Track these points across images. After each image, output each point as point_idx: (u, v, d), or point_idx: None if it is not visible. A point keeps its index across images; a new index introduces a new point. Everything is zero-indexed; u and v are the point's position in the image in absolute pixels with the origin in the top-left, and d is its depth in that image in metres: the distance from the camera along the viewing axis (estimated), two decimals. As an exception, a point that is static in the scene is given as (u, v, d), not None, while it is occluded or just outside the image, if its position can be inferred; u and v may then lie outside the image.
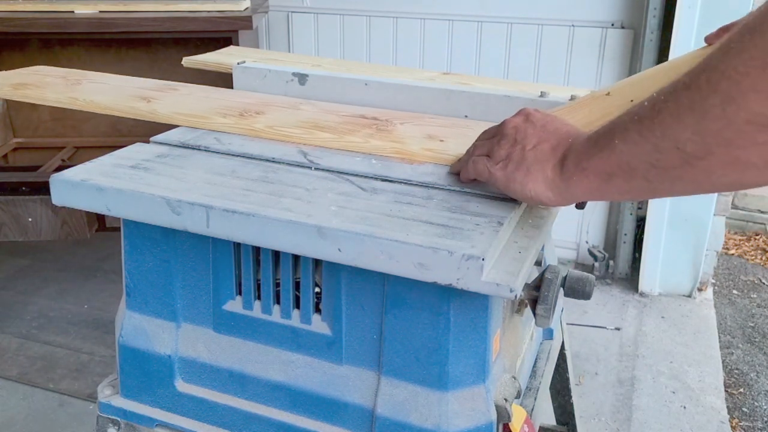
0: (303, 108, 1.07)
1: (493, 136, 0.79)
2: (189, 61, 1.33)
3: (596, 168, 0.66)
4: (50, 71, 1.27)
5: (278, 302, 0.82)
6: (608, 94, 0.86)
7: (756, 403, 2.23)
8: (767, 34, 0.49)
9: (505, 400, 0.77)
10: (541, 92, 1.03)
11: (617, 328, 2.51)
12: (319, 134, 0.95)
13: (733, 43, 0.52)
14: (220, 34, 2.24)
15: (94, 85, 1.18)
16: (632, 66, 2.58)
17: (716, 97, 0.53)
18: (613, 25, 2.59)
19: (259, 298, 0.83)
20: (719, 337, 2.50)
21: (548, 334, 1.10)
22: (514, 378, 0.80)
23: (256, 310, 0.83)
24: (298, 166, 0.87)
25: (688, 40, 2.36)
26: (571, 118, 0.83)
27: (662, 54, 2.46)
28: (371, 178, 0.83)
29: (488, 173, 0.77)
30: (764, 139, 0.52)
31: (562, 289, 0.84)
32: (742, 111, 0.52)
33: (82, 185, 0.79)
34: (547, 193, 0.71)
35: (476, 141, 0.82)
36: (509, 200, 0.78)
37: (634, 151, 0.61)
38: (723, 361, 2.38)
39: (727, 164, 0.55)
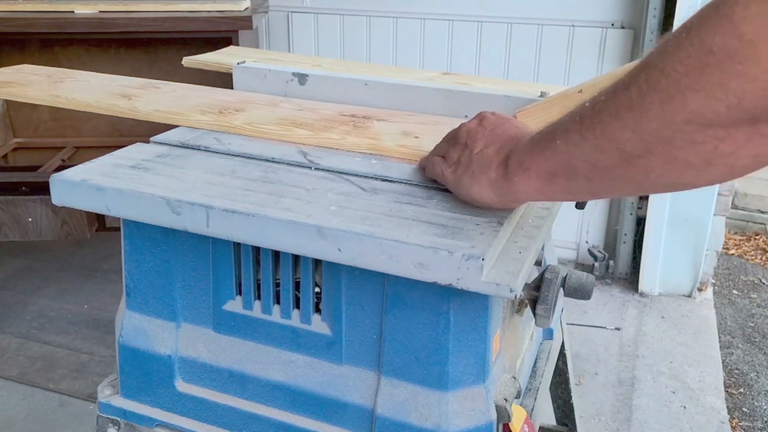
0: (282, 105, 1.08)
1: (450, 139, 0.80)
2: (189, 61, 1.33)
3: (538, 168, 0.66)
4: (35, 70, 1.28)
5: (278, 302, 0.82)
6: (581, 91, 0.86)
7: (756, 403, 2.23)
8: (704, 33, 0.49)
9: (505, 400, 0.77)
10: (541, 92, 1.03)
11: (617, 328, 2.51)
12: (297, 131, 0.96)
13: (671, 42, 0.52)
14: (220, 34, 2.24)
15: (77, 83, 1.19)
16: (632, 66, 2.57)
17: (655, 96, 0.53)
18: (613, 25, 2.59)
19: (259, 298, 0.83)
20: (719, 337, 2.50)
21: (548, 334, 1.10)
22: (514, 378, 0.80)
23: (256, 310, 0.83)
24: (298, 166, 0.87)
25: (688, 40, 2.35)
26: (545, 115, 0.84)
27: (662, 54, 2.46)
28: (371, 178, 0.83)
29: (442, 175, 0.79)
30: (702, 139, 0.52)
31: (562, 289, 0.84)
32: (680, 110, 0.51)
33: (82, 185, 0.79)
34: (490, 195, 0.72)
35: (440, 141, 0.83)
36: (509, 200, 0.78)
37: (575, 151, 0.61)
38: (723, 361, 2.38)
39: (666, 164, 0.55)
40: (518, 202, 0.73)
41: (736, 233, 3.42)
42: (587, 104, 0.60)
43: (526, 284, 0.78)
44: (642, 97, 0.54)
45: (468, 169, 0.74)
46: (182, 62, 1.34)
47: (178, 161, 0.87)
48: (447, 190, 0.80)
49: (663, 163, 0.55)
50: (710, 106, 0.49)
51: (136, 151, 0.90)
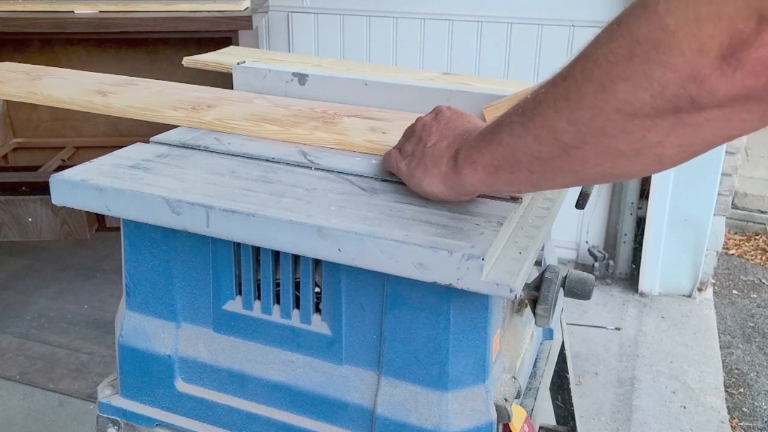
0: (255, 102, 1.09)
1: (408, 133, 0.82)
2: (189, 61, 1.33)
3: (484, 161, 0.67)
4: (15, 67, 1.28)
5: (278, 302, 0.82)
6: None
7: (756, 403, 2.23)
8: (632, 25, 0.50)
9: (505, 400, 0.77)
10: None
11: (617, 328, 2.51)
12: (267, 126, 0.97)
13: (605, 33, 0.53)
14: (220, 34, 2.24)
15: (55, 80, 1.19)
16: (632, 66, 2.57)
17: (589, 86, 0.54)
18: (613, 25, 2.58)
19: (259, 298, 0.83)
20: (719, 337, 2.50)
21: (548, 334, 1.10)
22: (514, 378, 0.80)
23: (256, 310, 0.83)
24: (298, 166, 0.87)
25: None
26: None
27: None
28: (371, 178, 0.83)
29: (397, 168, 0.80)
30: (631, 128, 0.53)
31: (562, 289, 0.84)
32: (611, 99, 0.53)
33: (82, 185, 0.79)
34: (441, 188, 0.73)
35: (402, 136, 0.84)
36: (509, 200, 0.78)
37: (518, 143, 0.62)
38: (723, 361, 2.38)
39: (600, 153, 0.56)
40: (468, 195, 0.74)
41: (736, 233, 3.42)
42: (530, 96, 0.61)
43: (526, 284, 0.78)
44: (577, 88, 0.55)
45: (421, 163, 0.76)
46: (182, 62, 1.34)
47: (178, 161, 0.87)
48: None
49: (597, 152, 0.57)
50: (636, 95, 0.51)
51: (136, 151, 0.90)
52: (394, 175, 0.82)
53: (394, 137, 0.92)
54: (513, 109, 0.63)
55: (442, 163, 0.73)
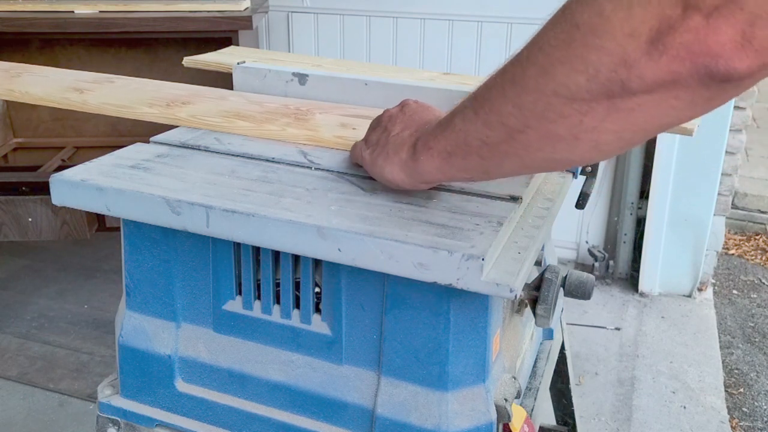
0: (230, 99, 1.10)
1: (375, 125, 0.83)
2: (189, 61, 1.33)
3: (439, 147, 0.68)
4: None
5: (278, 302, 0.82)
6: None
7: (756, 403, 2.23)
8: (574, 10, 0.51)
9: (505, 400, 0.77)
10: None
11: (617, 328, 2.51)
12: (239, 123, 0.98)
13: (551, 19, 0.54)
14: (220, 34, 2.24)
15: (34, 78, 1.20)
16: (632, 66, 2.57)
17: (532, 70, 0.55)
18: (613, 25, 2.58)
19: (259, 298, 0.83)
20: (719, 337, 2.51)
21: (548, 334, 1.10)
22: (514, 378, 0.80)
23: (256, 310, 0.83)
24: (298, 166, 0.87)
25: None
26: None
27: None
28: (371, 178, 0.83)
29: (361, 157, 0.81)
30: (569, 112, 0.54)
31: (562, 289, 0.84)
32: (550, 83, 0.54)
33: (82, 185, 0.79)
34: (400, 175, 0.74)
35: (369, 128, 0.86)
36: (509, 200, 0.78)
37: (469, 129, 0.63)
38: (723, 361, 2.38)
39: (542, 138, 0.57)
40: (425, 183, 0.75)
41: (736, 233, 3.42)
42: (483, 83, 0.62)
43: (526, 284, 0.78)
44: (523, 72, 0.56)
45: (383, 151, 0.77)
46: (182, 62, 1.34)
47: (178, 161, 0.87)
48: (447, 190, 0.80)
49: (539, 137, 0.58)
50: (572, 79, 0.52)
51: (135, 151, 0.90)
52: (361, 166, 0.83)
53: (363, 133, 0.93)
54: (468, 96, 0.64)
55: (403, 151, 0.74)
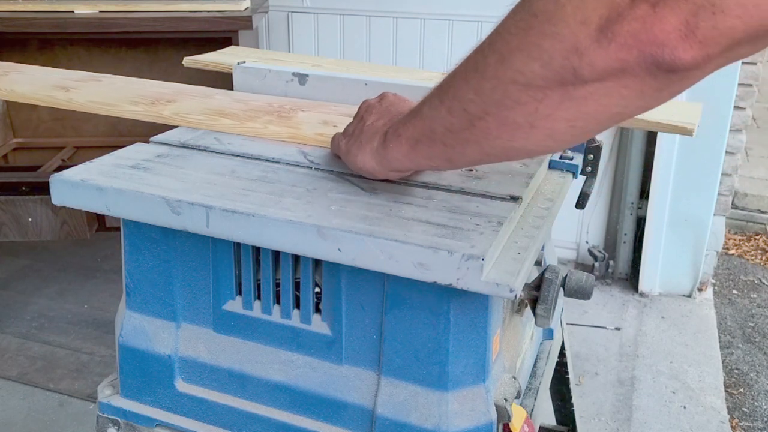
0: (215, 97, 1.11)
1: (354, 115, 0.85)
2: (189, 61, 1.33)
3: (407, 134, 0.69)
4: None
5: (278, 302, 0.82)
6: None
7: (756, 403, 2.23)
8: None
9: (505, 400, 0.77)
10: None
11: (617, 328, 2.51)
12: (222, 120, 0.99)
13: (513, 8, 0.55)
14: (220, 34, 2.24)
15: (20, 76, 1.21)
16: (632, 66, 2.57)
17: (493, 57, 0.57)
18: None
19: (259, 298, 0.83)
20: (719, 337, 2.51)
21: (548, 334, 1.10)
22: (514, 378, 0.80)
23: (256, 310, 0.83)
24: (298, 166, 0.87)
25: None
26: None
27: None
28: (371, 178, 0.83)
29: (337, 146, 0.83)
30: (526, 99, 0.55)
31: (562, 289, 0.84)
32: (508, 70, 0.55)
33: (82, 185, 0.79)
34: (371, 163, 0.76)
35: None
36: (509, 200, 0.78)
37: (434, 116, 0.65)
38: (723, 361, 2.38)
39: (501, 125, 0.58)
40: (395, 171, 0.76)
41: (736, 233, 3.42)
42: (450, 72, 0.63)
43: (526, 284, 0.78)
44: (484, 59, 0.58)
45: (358, 140, 0.78)
46: (182, 62, 1.34)
47: (178, 161, 0.87)
48: (447, 190, 0.80)
49: (498, 124, 0.59)
50: (528, 66, 0.53)
51: (136, 151, 0.90)
52: (340, 158, 0.84)
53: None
54: (435, 85, 0.65)
55: (375, 139, 0.75)
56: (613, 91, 0.52)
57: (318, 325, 0.80)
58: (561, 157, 0.96)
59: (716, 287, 2.90)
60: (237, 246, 0.81)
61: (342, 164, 0.87)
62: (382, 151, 0.74)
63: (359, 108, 0.84)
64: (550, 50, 0.52)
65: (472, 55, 0.60)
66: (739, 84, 2.41)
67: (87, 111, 1.06)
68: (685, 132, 0.99)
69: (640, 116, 1.04)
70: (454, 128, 0.63)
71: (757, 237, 3.38)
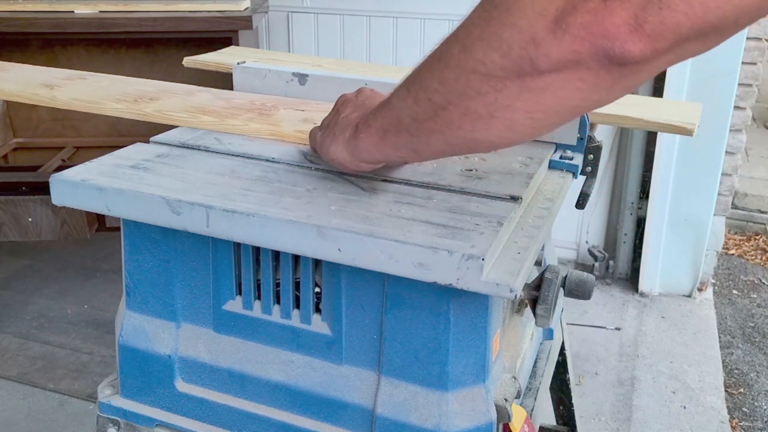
0: (198, 95, 1.12)
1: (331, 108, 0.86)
2: (189, 61, 1.33)
3: (377, 124, 0.70)
4: None
5: (278, 302, 0.82)
6: None
7: (756, 403, 2.23)
8: None
9: (505, 400, 0.77)
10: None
11: (617, 328, 2.51)
12: (203, 117, 1.00)
13: (479, 1, 0.57)
14: (220, 34, 2.24)
15: (7, 74, 1.22)
16: (632, 66, 2.57)
17: (457, 47, 0.58)
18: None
19: (259, 298, 0.83)
20: (719, 337, 2.51)
21: (548, 334, 1.10)
22: (514, 378, 0.80)
23: (256, 310, 0.83)
24: (298, 166, 0.87)
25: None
26: None
27: (662, 54, 2.46)
28: (371, 178, 0.83)
29: (314, 139, 0.85)
30: (486, 89, 0.56)
31: (562, 289, 0.84)
32: (470, 59, 0.56)
33: (82, 185, 0.79)
34: (343, 154, 0.76)
35: None
36: (509, 200, 0.78)
37: (402, 106, 0.66)
38: (723, 361, 2.38)
39: (462, 115, 0.59)
40: (365, 162, 0.76)
41: (736, 233, 3.42)
42: (419, 62, 0.64)
43: (526, 284, 0.78)
44: (448, 49, 0.59)
45: (331, 131, 0.79)
46: (183, 62, 1.34)
47: (178, 161, 0.87)
48: (447, 190, 0.80)
49: (460, 114, 0.59)
50: (488, 56, 0.54)
51: (136, 151, 0.90)
52: (316, 152, 0.85)
53: None
54: (406, 76, 0.66)
55: (348, 130, 0.76)
56: (569, 84, 0.53)
57: (318, 325, 0.80)
58: (561, 157, 0.96)
59: (716, 287, 2.90)
60: (237, 246, 0.81)
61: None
62: (354, 141, 0.75)
63: (336, 101, 0.85)
64: (509, 40, 0.53)
65: (439, 45, 0.61)
66: (739, 84, 2.41)
67: (70, 108, 1.07)
68: (685, 132, 1.00)
69: (640, 116, 1.04)
70: (419, 118, 0.63)
71: (757, 237, 3.38)
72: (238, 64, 1.19)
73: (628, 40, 0.49)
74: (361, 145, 0.73)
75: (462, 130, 0.61)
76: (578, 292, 0.84)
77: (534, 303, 0.78)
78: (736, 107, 2.47)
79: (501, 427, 0.78)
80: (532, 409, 0.94)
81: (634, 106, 1.10)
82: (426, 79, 0.62)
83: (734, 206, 3.34)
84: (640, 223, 2.71)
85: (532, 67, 0.53)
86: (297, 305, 0.81)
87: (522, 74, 0.53)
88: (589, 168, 0.99)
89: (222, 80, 1.22)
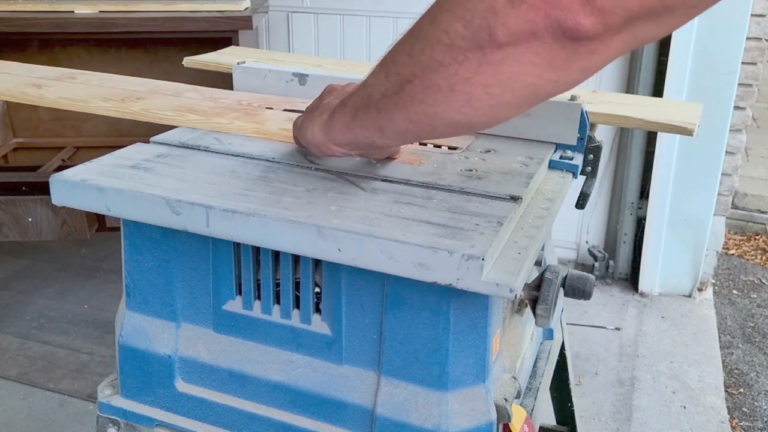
0: (186, 95, 1.13)
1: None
2: (190, 61, 1.33)
3: (351, 103, 0.71)
4: None
5: (278, 302, 0.82)
6: None
7: (756, 403, 2.23)
8: None
9: (505, 400, 0.77)
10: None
11: (617, 328, 2.51)
12: (189, 116, 1.01)
13: None
14: (220, 34, 2.24)
15: None
16: (632, 65, 2.58)
17: (427, 19, 0.59)
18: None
19: (259, 298, 0.83)
20: (719, 337, 2.51)
21: (548, 334, 1.10)
22: (514, 378, 0.80)
23: (256, 310, 0.83)
24: (298, 166, 0.87)
25: (688, 36, 2.36)
26: None
27: (662, 51, 2.46)
28: (371, 178, 0.83)
29: (295, 125, 0.85)
30: (448, 61, 0.57)
31: (562, 289, 0.84)
32: (436, 29, 0.57)
33: (82, 185, 0.79)
34: (318, 135, 0.78)
35: None
36: (509, 200, 0.78)
37: (374, 82, 0.66)
38: (723, 361, 2.38)
39: (425, 87, 0.60)
40: (337, 144, 0.77)
41: (736, 233, 3.42)
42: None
43: (526, 284, 0.78)
44: (420, 22, 0.60)
45: (311, 115, 0.80)
46: (183, 62, 1.34)
47: (178, 161, 0.87)
48: (447, 190, 0.80)
49: (423, 87, 0.60)
50: (452, 26, 0.56)
51: (136, 151, 0.90)
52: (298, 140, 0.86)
53: None
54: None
55: (326, 113, 0.77)
56: (524, 57, 0.54)
57: (318, 325, 0.80)
58: (561, 158, 0.96)
59: (716, 287, 2.90)
60: (237, 246, 0.81)
61: (345, 164, 0.87)
62: (329, 122, 0.76)
63: (324, 90, 0.85)
64: (472, 10, 0.54)
65: (414, 22, 0.62)
66: (739, 84, 2.41)
67: (57, 107, 1.08)
68: (686, 132, 1.00)
69: (641, 116, 1.04)
70: (387, 92, 0.64)
71: (757, 237, 3.38)
72: (238, 64, 1.19)
73: (580, 12, 0.50)
74: (335, 125, 0.75)
75: (423, 104, 0.61)
76: (578, 292, 0.84)
77: (534, 303, 0.78)
78: (736, 107, 2.47)
79: (501, 427, 0.78)
80: (532, 409, 0.94)
81: (635, 106, 1.10)
82: (397, 53, 0.63)
83: (734, 206, 3.34)
84: (640, 223, 2.71)
85: (490, 37, 0.54)
86: (297, 305, 0.81)
87: (481, 45, 0.54)
88: (589, 168, 0.99)
89: (222, 80, 1.22)
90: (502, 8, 0.52)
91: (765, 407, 2.22)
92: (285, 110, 1.05)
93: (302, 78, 1.13)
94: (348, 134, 0.74)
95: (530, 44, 0.53)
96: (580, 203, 1.01)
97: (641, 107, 1.11)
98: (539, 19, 0.51)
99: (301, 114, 0.87)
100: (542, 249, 1.00)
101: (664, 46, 2.44)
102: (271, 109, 1.06)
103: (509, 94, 0.57)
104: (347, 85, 0.83)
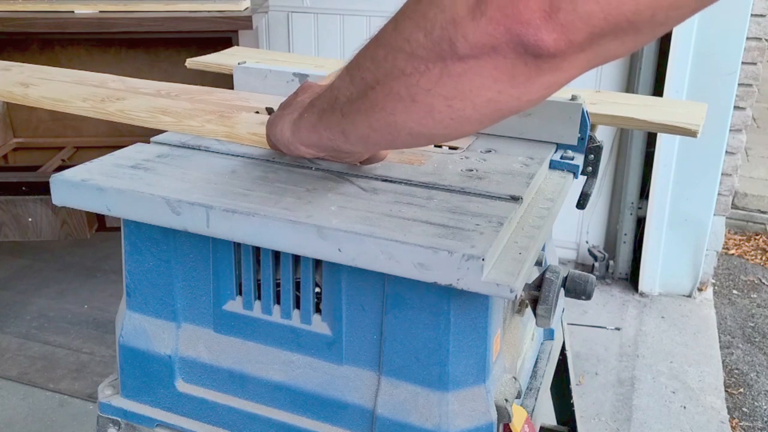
0: (164, 95, 1.14)
1: None
2: (192, 62, 1.33)
3: (318, 104, 0.71)
4: None
5: (278, 302, 0.82)
6: None
7: (756, 403, 2.23)
8: None
9: (506, 400, 0.77)
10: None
11: (617, 328, 2.51)
12: (162, 118, 1.02)
13: None
14: (220, 34, 2.24)
15: None
16: (632, 65, 2.58)
17: (390, 26, 0.58)
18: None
19: (259, 298, 0.83)
20: (719, 337, 2.51)
21: (549, 335, 1.10)
22: (515, 378, 0.80)
23: (256, 311, 0.83)
24: (298, 166, 0.87)
25: (688, 36, 2.36)
26: None
27: (662, 52, 2.46)
28: (371, 178, 0.83)
29: (267, 122, 0.85)
30: (410, 70, 0.56)
31: (562, 289, 0.84)
32: (398, 37, 0.56)
33: (82, 185, 0.79)
34: (286, 133, 0.78)
35: None
36: (510, 200, 0.78)
37: (340, 86, 0.66)
38: (723, 361, 2.38)
39: (386, 95, 0.59)
40: (303, 144, 0.77)
41: (736, 233, 3.42)
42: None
43: (526, 284, 0.78)
44: (384, 28, 0.60)
45: (282, 111, 0.80)
46: (185, 63, 1.34)
47: (178, 161, 0.87)
48: (447, 190, 0.80)
49: (384, 94, 0.59)
50: (414, 34, 0.55)
51: (136, 151, 0.90)
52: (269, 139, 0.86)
53: None
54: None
55: (296, 111, 0.77)
56: (485, 71, 0.52)
57: (318, 325, 0.80)
58: (562, 158, 0.96)
59: (716, 287, 2.90)
60: (237, 246, 0.81)
61: (345, 164, 0.87)
62: (298, 121, 0.75)
63: (299, 86, 0.85)
64: (433, 19, 0.53)
65: (382, 26, 0.61)
66: (739, 84, 2.41)
67: (39, 106, 1.08)
68: (689, 133, 0.99)
69: (643, 117, 1.04)
70: (352, 97, 0.64)
71: (757, 237, 3.38)
72: (238, 64, 1.19)
73: (542, 27, 0.48)
74: (302, 124, 0.74)
75: (384, 111, 0.60)
76: (579, 292, 0.84)
77: (534, 303, 0.78)
78: (736, 107, 2.47)
79: (501, 427, 0.78)
80: (533, 410, 0.94)
81: (639, 107, 1.10)
82: (362, 57, 0.63)
83: (734, 206, 3.34)
84: (640, 223, 2.71)
85: (451, 48, 0.52)
86: (297, 305, 0.81)
87: (443, 56, 0.53)
88: (590, 168, 0.99)
89: (223, 81, 1.22)
90: (462, 20, 0.51)
91: (765, 407, 2.22)
92: (256, 112, 1.05)
93: (302, 78, 1.13)
94: (314, 135, 0.73)
95: (491, 58, 0.51)
96: (581, 203, 1.01)
97: (646, 108, 1.10)
98: (499, 33, 0.50)
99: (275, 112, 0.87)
100: (543, 249, 1.00)
101: (664, 46, 2.44)
102: (257, 112, 1.06)
103: (470, 108, 0.56)
104: (323, 85, 0.84)
